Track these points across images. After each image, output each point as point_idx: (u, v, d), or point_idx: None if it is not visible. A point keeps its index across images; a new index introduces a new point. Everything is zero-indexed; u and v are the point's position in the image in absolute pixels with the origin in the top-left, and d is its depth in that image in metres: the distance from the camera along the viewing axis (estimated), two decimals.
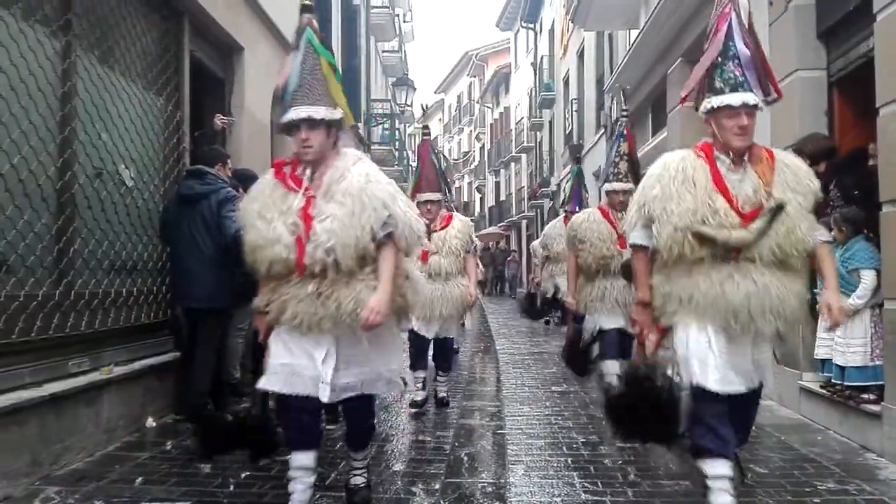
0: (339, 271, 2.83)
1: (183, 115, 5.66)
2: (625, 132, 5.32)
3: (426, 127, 6.67)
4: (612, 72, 13.38)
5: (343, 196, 2.85)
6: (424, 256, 4.93)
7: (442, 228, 5.22)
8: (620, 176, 5.10)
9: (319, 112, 2.89)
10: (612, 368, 4.97)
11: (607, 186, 5.17)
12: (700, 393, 2.75)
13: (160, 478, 3.71)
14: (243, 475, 3.65)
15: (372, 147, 17.16)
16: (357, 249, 2.82)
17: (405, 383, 4.61)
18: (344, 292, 2.85)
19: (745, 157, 2.86)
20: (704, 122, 2.95)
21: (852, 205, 4.59)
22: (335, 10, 12.80)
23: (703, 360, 2.76)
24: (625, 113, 5.92)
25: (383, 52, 22.99)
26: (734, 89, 2.80)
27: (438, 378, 5.67)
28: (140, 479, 3.69)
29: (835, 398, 4.66)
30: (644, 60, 10.16)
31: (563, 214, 8.41)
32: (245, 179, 4.83)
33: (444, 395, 5.66)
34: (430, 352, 5.60)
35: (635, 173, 5.08)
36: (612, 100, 13.69)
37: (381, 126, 19.22)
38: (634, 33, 11.03)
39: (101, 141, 4.60)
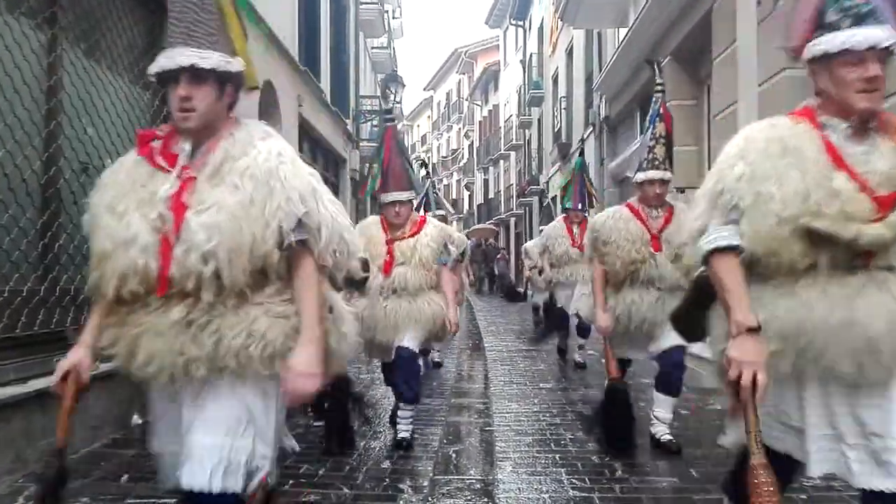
0: (220, 291, 1.85)
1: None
2: (661, 110, 4.43)
3: (389, 111, 5.53)
4: (600, 70, 13.42)
5: (241, 178, 1.88)
6: (388, 268, 4.19)
7: (412, 235, 4.30)
8: (657, 163, 4.23)
9: (209, 59, 1.91)
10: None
11: (641, 176, 4.28)
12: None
13: (146, 475, 3.67)
14: None
15: (360, 144, 17.13)
16: (252, 257, 1.84)
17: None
18: (229, 321, 1.86)
19: (872, 126, 1.98)
20: (809, 75, 2.06)
21: None
22: (324, 6, 12.76)
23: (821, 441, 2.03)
24: (660, 87, 4.69)
25: (372, 48, 22.95)
26: (856, 22, 1.89)
27: (400, 412, 4.33)
28: (125, 476, 3.67)
29: None
30: (633, 59, 10.19)
31: (564, 214, 7.74)
32: None
33: (406, 434, 4.28)
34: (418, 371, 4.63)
35: (672, 160, 4.37)
36: (601, 97, 13.73)
37: (369, 123, 19.19)
38: (623, 31, 11.06)
39: (88, 135, 4.57)
